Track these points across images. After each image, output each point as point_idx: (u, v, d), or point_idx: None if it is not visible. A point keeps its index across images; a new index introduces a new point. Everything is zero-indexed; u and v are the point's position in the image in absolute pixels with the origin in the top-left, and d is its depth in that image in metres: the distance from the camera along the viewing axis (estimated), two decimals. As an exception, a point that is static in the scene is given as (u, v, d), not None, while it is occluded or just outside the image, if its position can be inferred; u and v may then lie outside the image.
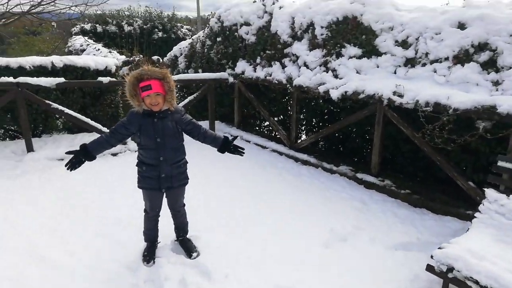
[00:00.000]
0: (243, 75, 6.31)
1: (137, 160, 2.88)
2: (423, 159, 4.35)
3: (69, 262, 3.00)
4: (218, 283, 2.77)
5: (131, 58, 9.48)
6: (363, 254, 3.17)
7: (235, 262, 3.02)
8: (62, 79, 5.58)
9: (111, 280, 2.81)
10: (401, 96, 4.03)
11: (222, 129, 6.82)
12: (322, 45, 5.17)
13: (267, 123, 7.16)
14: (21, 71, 5.77)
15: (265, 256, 3.11)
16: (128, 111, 2.78)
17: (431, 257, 2.52)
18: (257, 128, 7.27)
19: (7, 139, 6.33)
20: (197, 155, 4.05)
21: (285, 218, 3.75)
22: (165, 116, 2.72)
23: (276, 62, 5.82)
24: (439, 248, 2.56)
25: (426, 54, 4.15)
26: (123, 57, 9.86)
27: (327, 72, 4.95)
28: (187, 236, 3.28)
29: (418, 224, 3.65)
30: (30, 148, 5.47)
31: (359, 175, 4.66)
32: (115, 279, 2.82)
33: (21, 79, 5.28)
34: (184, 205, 3.19)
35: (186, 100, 6.49)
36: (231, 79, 6.56)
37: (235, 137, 3.00)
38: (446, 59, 3.97)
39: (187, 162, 3.00)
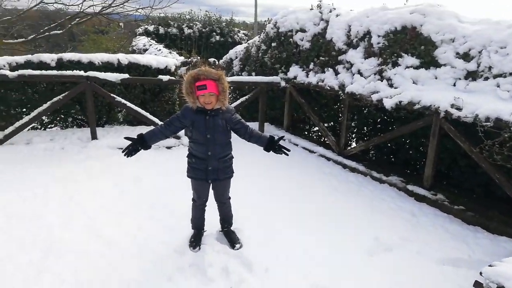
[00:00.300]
0: (295, 80, 6.39)
1: (187, 152, 3.07)
2: (482, 175, 4.15)
3: (122, 241, 3.24)
4: (259, 275, 2.86)
5: (189, 59, 9.92)
6: (408, 265, 3.09)
7: (275, 258, 3.08)
8: (126, 75, 6.00)
9: (158, 260, 2.99)
10: (459, 109, 3.88)
11: (271, 131, 6.93)
12: (378, 53, 5.11)
13: (316, 128, 7.16)
14: (90, 66, 6.27)
15: (306, 257, 3.14)
16: (183, 106, 2.95)
17: (480, 274, 2.41)
18: (306, 133, 7.30)
19: (75, 127, 6.89)
20: (245, 154, 4.16)
21: (329, 223, 3.75)
22: (216, 114, 2.86)
23: (329, 68, 5.83)
24: (490, 265, 2.45)
25: (490, 68, 3.97)
26: (181, 58, 10.34)
27: (382, 81, 4.88)
28: (231, 228, 3.40)
29: (470, 241, 3.49)
30: (94, 136, 5.93)
31: (410, 187, 4.53)
32: (162, 260, 3.00)
33: (91, 73, 5.76)
34: (230, 198, 3.31)
35: (238, 101, 6.68)
36: (283, 83, 6.66)
37: (281, 137, 3.03)
38: (511, 74, 3.78)
39: (233, 157, 3.14)
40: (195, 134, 2.90)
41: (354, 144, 6.12)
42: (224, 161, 3.03)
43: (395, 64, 4.84)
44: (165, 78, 6.14)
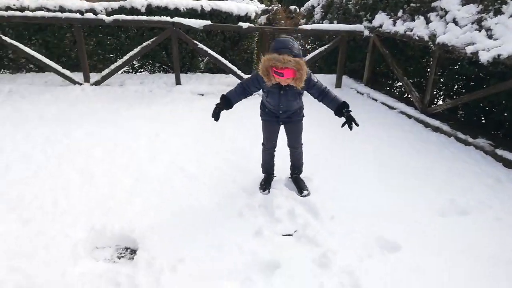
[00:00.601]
0: (380, 29, 5.97)
1: (261, 99, 3.19)
2: None
3: (201, 175, 3.58)
4: (323, 222, 2.96)
5: (270, 7, 9.75)
6: (483, 230, 2.93)
7: (342, 208, 3.14)
8: (208, 22, 6.14)
9: (231, 197, 3.26)
10: None
11: (349, 84, 6.70)
12: (479, 0, 4.53)
13: (399, 83, 6.75)
14: (176, 12, 6.53)
15: (374, 210, 3.15)
16: (256, 74, 2.90)
17: None
18: (387, 88, 6.92)
19: (161, 72, 7.39)
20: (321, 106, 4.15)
21: (403, 180, 3.66)
22: (291, 88, 2.87)
23: (420, 16, 5.33)
24: None
25: None
26: (262, 6, 10.20)
27: (479, 31, 4.35)
28: (301, 176, 3.50)
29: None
30: (178, 82, 6.31)
31: (499, 151, 4.14)
32: (234, 196, 3.28)
33: (176, 19, 6.00)
34: (302, 144, 3.37)
35: (316, 51, 6.50)
36: (366, 32, 6.27)
37: (350, 110, 2.90)
38: None
39: (303, 108, 3.20)
40: (269, 97, 3.00)
41: (440, 102, 5.69)
42: (294, 111, 3.12)
43: (498, 12, 4.26)
44: (245, 25, 6.16)
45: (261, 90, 3.03)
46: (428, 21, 5.18)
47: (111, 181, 3.41)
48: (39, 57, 5.94)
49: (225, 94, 2.99)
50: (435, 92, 5.72)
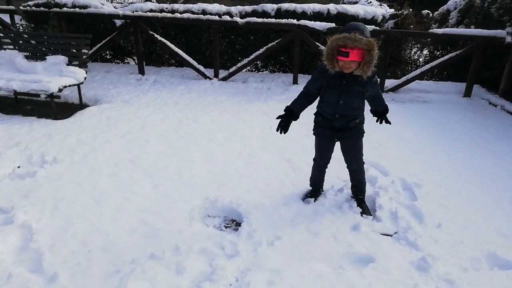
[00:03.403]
0: (527, 35, 5.28)
1: (316, 110, 2.96)
2: None
3: (305, 168, 3.67)
4: (428, 228, 2.84)
5: (400, 12, 9.35)
6: None
7: (450, 217, 2.97)
8: (333, 24, 6.25)
9: (332, 190, 3.35)
10: None
11: (480, 95, 6.07)
12: None
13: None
14: (303, 15, 6.81)
15: (489, 226, 2.89)
16: (319, 66, 2.75)
17: None
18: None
19: (281, 72, 7.78)
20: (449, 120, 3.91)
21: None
22: (355, 80, 2.63)
23: None
24: None
25: None
26: (391, 10, 9.83)
27: None
28: (363, 197, 3.17)
29: None
30: (295, 81, 6.59)
31: None
32: (336, 190, 3.35)
33: (302, 22, 6.27)
34: (363, 163, 3.07)
35: (446, 57, 6.06)
36: (509, 39, 5.59)
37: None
38: None
39: (364, 119, 2.94)
40: (327, 95, 2.75)
41: None
42: (354, 123, 2.85)
43: None
44: (370, 28, 6.07)
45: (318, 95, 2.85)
46: None
47: (226, 162, 3.82)
48: (181, 53, 6.86)
49: (288, 106, 2.87)
50: None
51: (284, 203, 3.16)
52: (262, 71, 8.01)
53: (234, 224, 2.99)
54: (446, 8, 8.07)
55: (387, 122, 2.99)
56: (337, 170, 3.64)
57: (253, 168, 3.72)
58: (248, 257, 2.50)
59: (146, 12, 6.97)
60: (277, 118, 2.88)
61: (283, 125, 2.85)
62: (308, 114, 3.03)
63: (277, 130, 2.85)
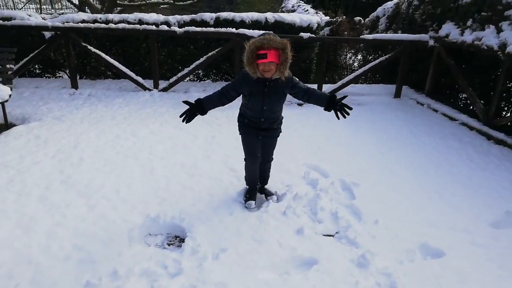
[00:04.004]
0: (446, 39, 5.75)
1: (239, 111, 3.08)
2: None
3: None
4: (366, 226, 2.96)
5: (334, 19, 9.78)
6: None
7: (386, 213, 3.12)
8: (271, 32, 6.34)
9: (276, 196, 3.36)
10: None
11: (409, 95, 6.51)
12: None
13: (464, 95, 6.39)
14: (242, 24, 6.88)
15: (421, 218, 3.09)
16: (241, 72, 2.81)
17: None
18: (451, 100, 6.58)
19: (223, 80, 7.78)
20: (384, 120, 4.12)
21: (455, 190, 3.54)
22: (276, 84, 2.76)
23: (490, 26, 5.05)
24: None
25: None
26: (326, 18, 10.26)
27: (558, 39, 4.04)
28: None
29: None
30: (237, 89, 6.60)
31: None
32: (280, 197, 3.40)
33: (240, 31, 6.32)
34: (272, 159, 3.34)
35: (377, 61, 6.42)
36: (431, 42, 6.06)
37: (344, 96, 2.86)
38: None
39: (282, 118, 3.12)
40: (251, 102, 2.86)
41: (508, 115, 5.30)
42: (276, 124, 3.05)
43: None
44: (306, 35, 6.28)
45: (241, 96, 2.94)
46: (499, 30, 4.90)
47: (168, 175, 3.71)
48: (117, 65, 6.60)
49: (200, 99, 2.88)
50: (504, 105, 5.34)
51: (229, 213, 3.13)
52: (204, 80, 7.94)
53: (178, 240, 2.91)
54: (375, 15, 8.57)
55: (346, 108, 2.80)
56: (280, 175, 3.71)
57: (197, 180, 3.65)
58: (193, 274, 2.43)
59: (78, 23, 6.64)
60: (183, 101, 2.89)
61: (188, 115, 2.86)
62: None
63: (180, 117, 2.87)
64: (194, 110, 2.86)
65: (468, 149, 4.46)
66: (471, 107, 5.94)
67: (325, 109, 2.90)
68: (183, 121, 2.86)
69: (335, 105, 2.81)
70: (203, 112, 2.90)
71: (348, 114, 2.81)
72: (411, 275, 2.43)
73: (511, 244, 2.75)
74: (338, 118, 2.84)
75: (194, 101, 2.87)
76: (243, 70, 2.74)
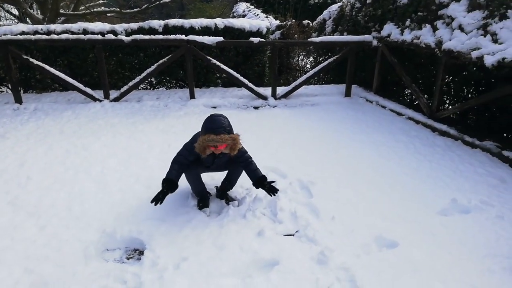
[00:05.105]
0: (388, 38, 6.07)
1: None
2: None
3: (207, 183, 3.66)
4: (324, 223, 3.04)
5: (284, 23, 10.00)
6: (484, 229, 2.93)
7: (342, 209, 3.23)
8: (221, 38, 6.39)
9: (236, 201, 3.38)
10: None
11: (358, 93, 6.78)
12: (484, 6, 4.57)
13: (409, 91, 6.78)
14: (191, 30, 6.85)
15: (374, 211, 3.21)
16: (193, 138, 3.12)
17: None
18: (398, 96, 6.94)
19: (177, 88, 7.69)
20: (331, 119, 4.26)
21: (404, 181, 3.72)
22: (224, 156, 3.05)
23: (426, 25, 5.40)
24: None
25: None
26: (277, 22, 10.46)
27: (485, 36, 4.39)
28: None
29: None
30: (192, 96, 6.56)
31: (506, 153, 4.11)
32: (239, 201, 3.41)
33: (190, 37, 6.29)
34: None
35: (326, 62, 6.63)
36: (375, 42, 6.38)
37: (272, 181, 3.20)
38: None
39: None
40: (199, 165, 3.16)
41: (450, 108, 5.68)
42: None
43: (503, 17, 4.29)
44: (256, 40, 6.37)
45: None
46: (435, 29, 5.24)
47: (123, 189, 3.60)
48: (63, 76, 6.33)
49: (165, 178, 3.02)
50: (446, 99, 5.72)
51: (189, 222, 3.09)
52: (158, 87, 7.81)
53: (137, 253, 2.84)
54: (322, 18, 8.86)
55: (272, 190, 3.15)
56: (239, 179, 3.71)
57: (153, 191, 3.50)
58: (153, 286, 2.38)
59: (17, 35, 6.29)
60: (157, 194, 2.96)
61: (161, 197, 2.95)
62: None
63: (152, 202, 2.93)
64: (168, 191, 2.98)
65: (415, 142, 4.72)
66: (416, 102, 6.30)
67: (253, 185, 3.20)
68: (155, 205, 2.93)
69: (263, 186, 3.15)
70: (175, 187, 3.04)
71: (275, 193, 3.16)
72: (368, 267, 2.52)
73: (457, 230, 2.94)
74: (270, 196, 3.18)
75: (163, 183, 2.99)
76: (195, 136, 3.07)
